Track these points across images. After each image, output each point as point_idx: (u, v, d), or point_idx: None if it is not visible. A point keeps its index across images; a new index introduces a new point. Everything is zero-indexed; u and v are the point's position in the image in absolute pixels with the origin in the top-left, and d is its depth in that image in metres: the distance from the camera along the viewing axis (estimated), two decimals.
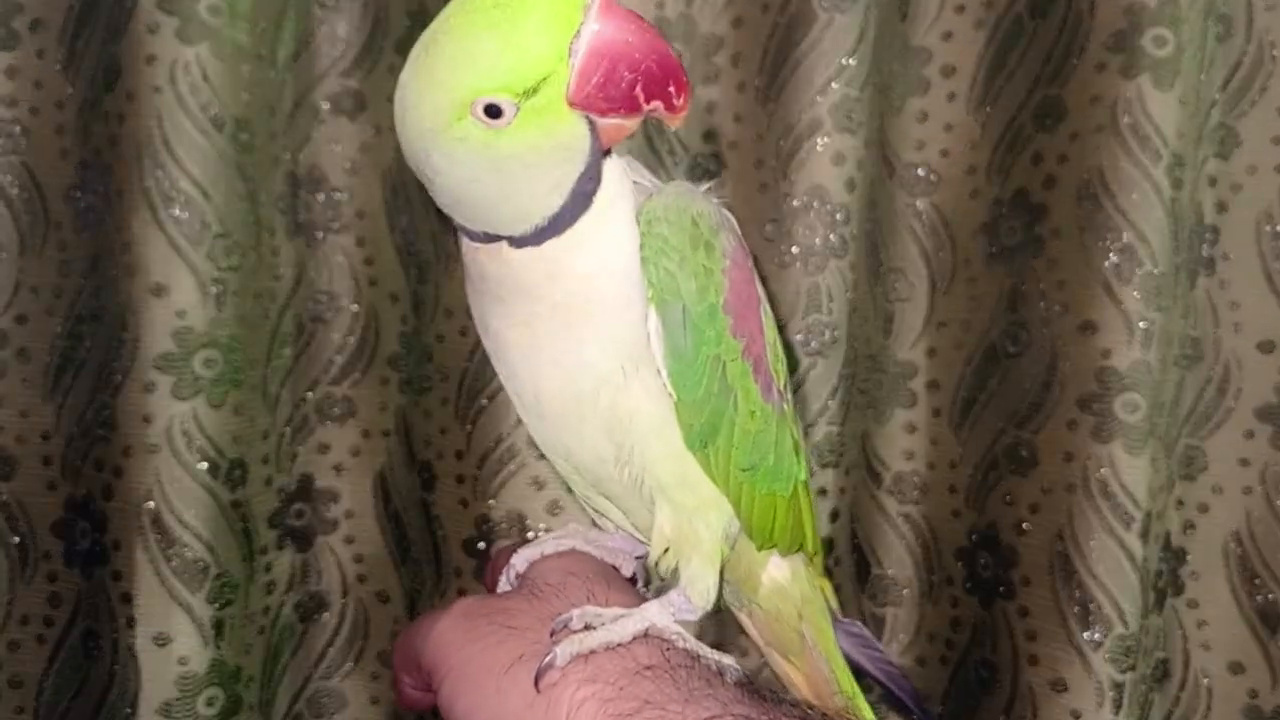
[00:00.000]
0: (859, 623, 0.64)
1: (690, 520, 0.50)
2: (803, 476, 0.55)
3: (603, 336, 0.47)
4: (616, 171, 0.48)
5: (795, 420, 0.55)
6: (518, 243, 0.46)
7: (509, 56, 0.41)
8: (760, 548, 0.54)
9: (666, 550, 0.51)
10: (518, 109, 0.42)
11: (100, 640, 0.82)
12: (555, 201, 0.45)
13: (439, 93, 0.42)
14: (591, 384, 0.48)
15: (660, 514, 0.50)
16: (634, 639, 0.45)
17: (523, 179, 0.44)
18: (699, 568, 0.50)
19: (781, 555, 0.56)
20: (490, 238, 0.47)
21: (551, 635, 0.45)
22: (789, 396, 0.54)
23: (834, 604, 0.61)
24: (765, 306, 0.52)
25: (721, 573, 0.55)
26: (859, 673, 0.63)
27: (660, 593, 0.50)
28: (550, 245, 0.46)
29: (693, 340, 0.46)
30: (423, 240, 0.85)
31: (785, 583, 0.57)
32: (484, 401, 0.81)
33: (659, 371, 0.47)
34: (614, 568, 0.55)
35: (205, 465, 0.80)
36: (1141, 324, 0.77)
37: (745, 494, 0.51)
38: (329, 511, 0.90)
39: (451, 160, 0.44)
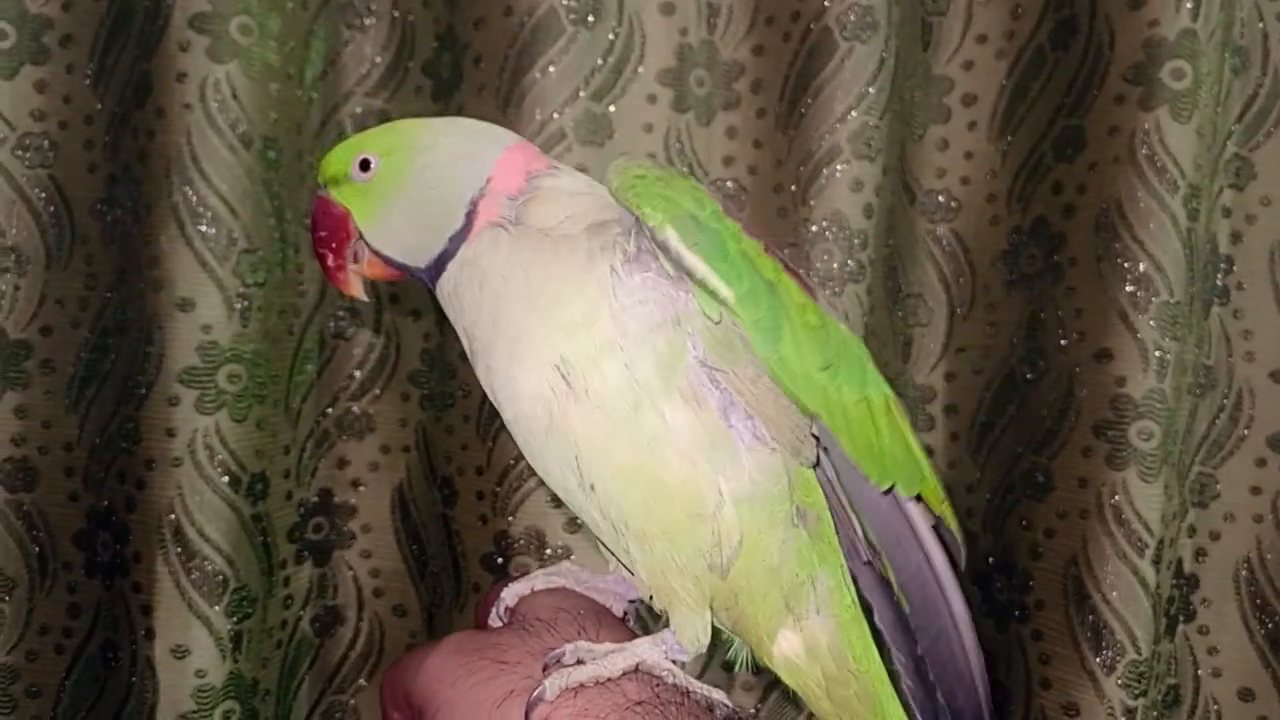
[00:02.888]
0: None
1: (664, 565, 0.48)
2: (886, 389, 0.51)
3: (532, 353, 0.47)
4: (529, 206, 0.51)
5: (859, 342, 0.52)
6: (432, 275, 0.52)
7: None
8: (880, 481, 0.50)
9: (654, 596, 0.50)
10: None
11: (119, 651, 0.82)
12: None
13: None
14: (529, 405, 0.47)
15: (636, 561, 0.49)
16: (625, 675, 0.45)
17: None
18: (685, 615, 0.49)
19: (905, 494, 0.52)
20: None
21: (544, 670, 0.45)
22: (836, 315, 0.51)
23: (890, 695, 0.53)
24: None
25: (735, 633, 0.53)
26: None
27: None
28: (449, 275, 0.51)
29: (715, 237, 0.46)
30: None
31: (799, 660, 0.51)
32: None
33: (693, 289, 0.46)
34: (605, 607, 0.54)
35: (227, 479, 0.80)
36: (1157, 353, 0.78)
37: (834, 402, 0.48)
38: (347, 525, 0.91)
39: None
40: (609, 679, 0.45)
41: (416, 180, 0.51)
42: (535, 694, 0.42)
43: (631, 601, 0.56)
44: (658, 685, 0.45)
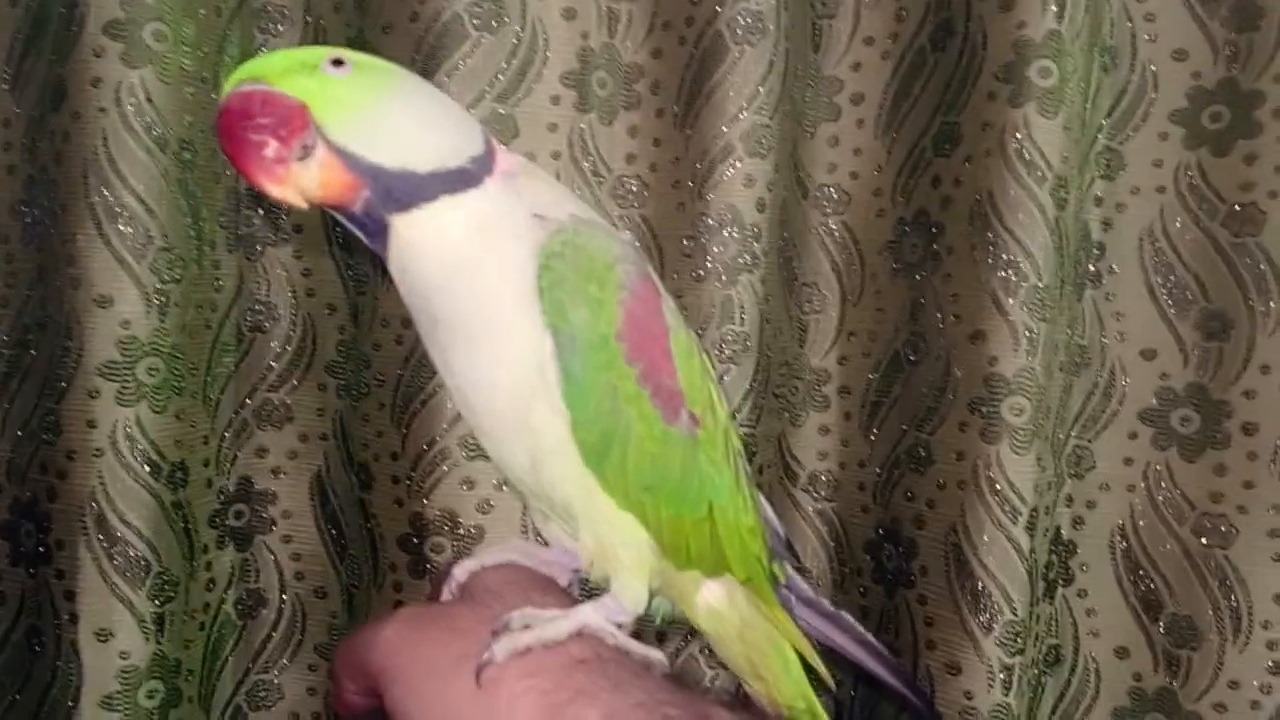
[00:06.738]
0: (846, 614, 0.64)
1: (608, 536, 0.53)
2: (720, 500, 0.54)
3: (505, 359, 0.49)
4: (512, 201, 0.50)
5: (726, 444, 0.55)
6: (408, 202, 0.47)
7: None
8: (679, 567, 0.56)
9: (594, 563, 0.54)
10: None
11: (43, 637, 0.85)
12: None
13: None
14: (503, 401, 0.50)
15: (582, 530, 0.53)
16: (569, 637, 0.48)
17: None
18: (626, 578, 0.53)
19: (706, 576, 0.58)
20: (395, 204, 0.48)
21: (493, 636, 0.47)
22: (715, 420, 0.55)
23: (795, 636, 0.60)
24: (680, 335, 0.53)
25: (661, 589, 0.58)
26: (854, 667, 0.64)
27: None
28: (435, 216, 0.48)
29: (582, 364, 0.48)
30: (360, 253, 0.90)
31: (721, 608, 0.58)
32: (418, 406, 0.85)
33: (555, 391, 0.49)
34: (551, 578, 0.57)
35: (148, 468, 0.83)
36: (1026, 333, 0.83)
37: (650, 513, 0.52)
38: (267, 512, 0.94)
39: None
40: (555, 641, 0.48)
41: (408, 91, 0.49)
42: (485, 656, 0.45)
43: (575, 571, 0.58)
44: (599, 646, 0.48)
